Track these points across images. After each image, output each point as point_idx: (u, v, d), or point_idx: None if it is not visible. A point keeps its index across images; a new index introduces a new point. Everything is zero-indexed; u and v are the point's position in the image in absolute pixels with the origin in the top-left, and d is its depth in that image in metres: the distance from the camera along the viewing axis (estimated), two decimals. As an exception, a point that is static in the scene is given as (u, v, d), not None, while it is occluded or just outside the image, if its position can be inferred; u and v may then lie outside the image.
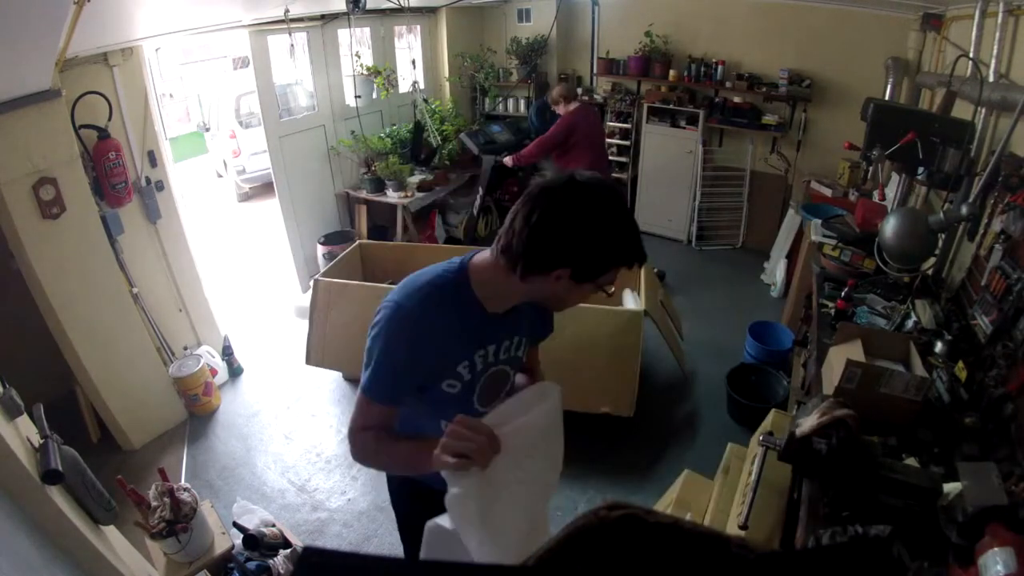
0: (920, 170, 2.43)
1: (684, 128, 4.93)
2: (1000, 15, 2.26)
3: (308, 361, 3.35)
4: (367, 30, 4.67)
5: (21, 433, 1.73)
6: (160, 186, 3.27)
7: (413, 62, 5.06)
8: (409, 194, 4.53)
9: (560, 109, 4.15)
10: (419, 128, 4.81)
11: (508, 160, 4.32)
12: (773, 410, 2.15)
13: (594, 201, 1.00)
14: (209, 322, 3.71)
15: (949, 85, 2.60)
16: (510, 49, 5.39)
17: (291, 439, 3.16)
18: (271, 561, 2.25)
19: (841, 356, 1.78)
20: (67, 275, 2.64)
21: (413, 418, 1.19)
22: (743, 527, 1.52)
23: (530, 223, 1.00)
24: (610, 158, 5.21)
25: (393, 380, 1.09)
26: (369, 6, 3.81)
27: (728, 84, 4.69)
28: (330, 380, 3.58)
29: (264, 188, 6.72)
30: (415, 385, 1.12)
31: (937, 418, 1.71)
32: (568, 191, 1.01)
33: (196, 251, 3.58)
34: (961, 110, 2.58)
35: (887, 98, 3.62)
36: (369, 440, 1.12)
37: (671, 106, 4.91)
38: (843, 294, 2.37)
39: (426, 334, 1.07)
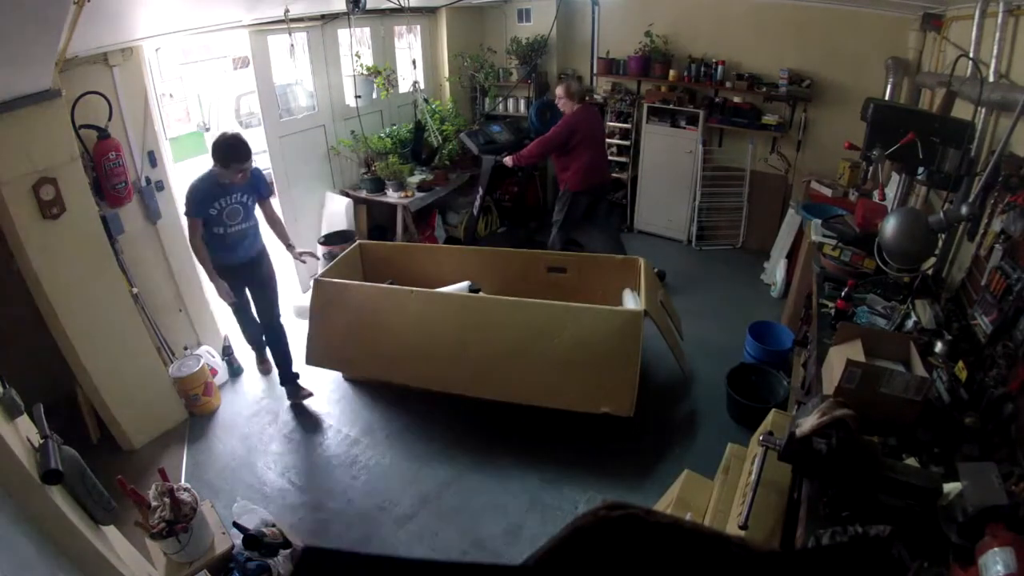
0: (920, 170, 2.43)
1: (684, 128, 4.93)
2: (1000, 15, 2.25)
3: (308, 361, 3.35)
4: (367, 30, 4.67)
5: (21, 433, 1.73)
6: (160, 186, 3.27)
7: (414, 62, 5.06)
8: (409, 194, 4.53)
9: (563, 105, 4.14)
10: (420, 128, 4.81)
11: (508, 160, 4.31)
12: (773, 410, 2.15)
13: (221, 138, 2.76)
14: (209, 322, 3.71)
15: (949, 85, 2.60)
16: (510, 49, 5.39)
17: (291, 439, 3.16)
18: (271, 561, 2.25)
19: (841, 356, 1.78)
20: (67, 275, 2.64)
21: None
22: (743, 527, 1.52)
23: None
24: (610, 158, 5.22)
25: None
26: (369, 6, 3.81)
27: (728, 84, 4.69)
28: (330, 380, 3.58)
29: (264, 188, 6.71)
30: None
31: (937, 418, 1.71)
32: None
33: (196, 251, 3.58)
34: (961, 110, 2.58)
35: (887, 98, 3.62)
36: (201, 247, 2.92)
37: (671, 106, 4.90)
38: (843, 294, 2.36)
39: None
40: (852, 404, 1.48)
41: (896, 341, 1.95)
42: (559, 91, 4.16)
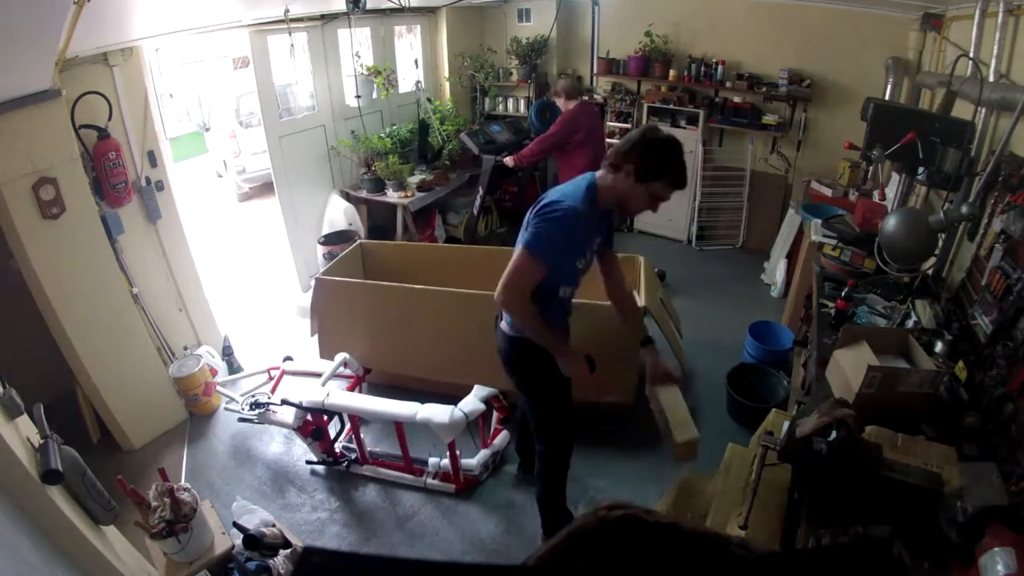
0: (920, 170, 2.43)
1: (684, 128, 4.92)
2: (1000, 15, 2.26)
3: (321, 355, 3.40)
4: (367, 30, 4.66)
5: (21, 433, 1.73)
6: (160, 186, 3.27)
7: (416, 62, 5.06)
8: (409, 194, 4.53)
9: (561, 104, 4.14)
10: (424, 127, 4.81)
11: (509, 160, 4.31)
12: (773, 410, 2.15)
13: (664, 138, 1.75)
14: (209, 322, 3.71)
15: (949, 85, 2.60)
16: (510, 49, 5.39)
17: (291, 439, 3.15)
18: (271, 561, 2.25)
19: (849, 360, 1.79)
20: (67, 275, 2.64)
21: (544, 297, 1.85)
22: (743, 527, 1.52)
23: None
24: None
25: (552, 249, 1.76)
26: (369, 6, 3.81)
27: (728, 84, 4.69)
28: (330, 380, 3.58)
29: (264, 188, 6.71)
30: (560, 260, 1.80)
31: (939, 417, 1.71)
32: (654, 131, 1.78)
33: (196, 251, 3.58)
34: (961, 110, 2.58)
35: (887, 98, 3.62)
36: (529, 306, 1.81)
37: (671, 106, 4.91)
38: (843, 294, 2.36)
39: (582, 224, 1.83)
40: (870, 405, 1.48)
41: (893, 336, 1.95)
42: (559, 88, 4.17)
